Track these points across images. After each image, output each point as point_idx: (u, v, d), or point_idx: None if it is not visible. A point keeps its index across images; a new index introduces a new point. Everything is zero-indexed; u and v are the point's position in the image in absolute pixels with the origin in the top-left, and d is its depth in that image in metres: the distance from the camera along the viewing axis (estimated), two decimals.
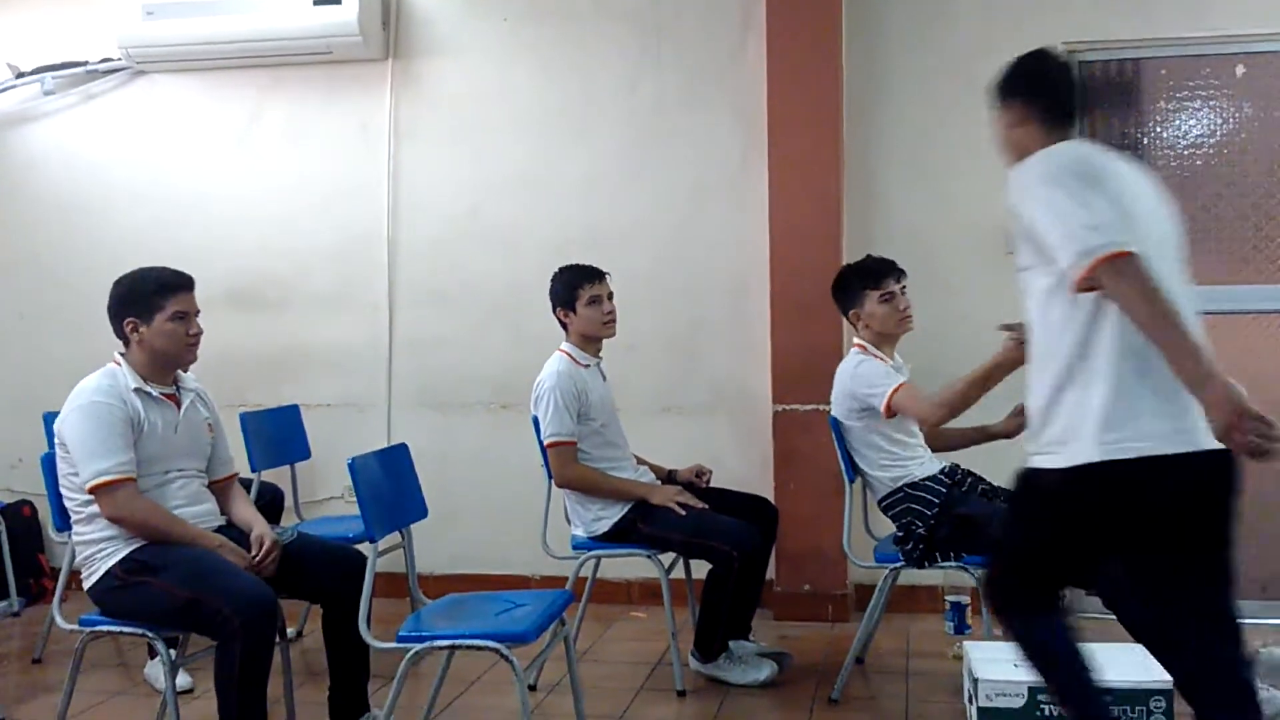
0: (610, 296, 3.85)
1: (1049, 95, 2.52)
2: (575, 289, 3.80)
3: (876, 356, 3.58)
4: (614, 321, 3.85)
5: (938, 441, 3.67)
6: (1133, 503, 2.24)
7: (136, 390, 3.02)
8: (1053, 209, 2.20)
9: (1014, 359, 3.03)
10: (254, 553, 2.98)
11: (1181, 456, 2.20)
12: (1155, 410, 2.21)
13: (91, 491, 2.90)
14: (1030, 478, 2.36)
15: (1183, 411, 2.18)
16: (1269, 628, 3.82)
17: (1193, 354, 2.09)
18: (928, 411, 3.38)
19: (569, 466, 3.71)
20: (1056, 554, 2.37)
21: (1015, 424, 3.47)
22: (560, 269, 3.88)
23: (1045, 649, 2.37)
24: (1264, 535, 4.37)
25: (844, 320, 4.02)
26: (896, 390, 3.43)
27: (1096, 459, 2.20)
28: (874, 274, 3.62)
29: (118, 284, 3.10)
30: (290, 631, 3.88)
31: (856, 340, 3.66)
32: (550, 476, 3.77)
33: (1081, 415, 2.23)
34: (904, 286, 3.64)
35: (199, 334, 3.10)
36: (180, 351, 3.08)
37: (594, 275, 3.83)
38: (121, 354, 3.09)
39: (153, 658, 3.78)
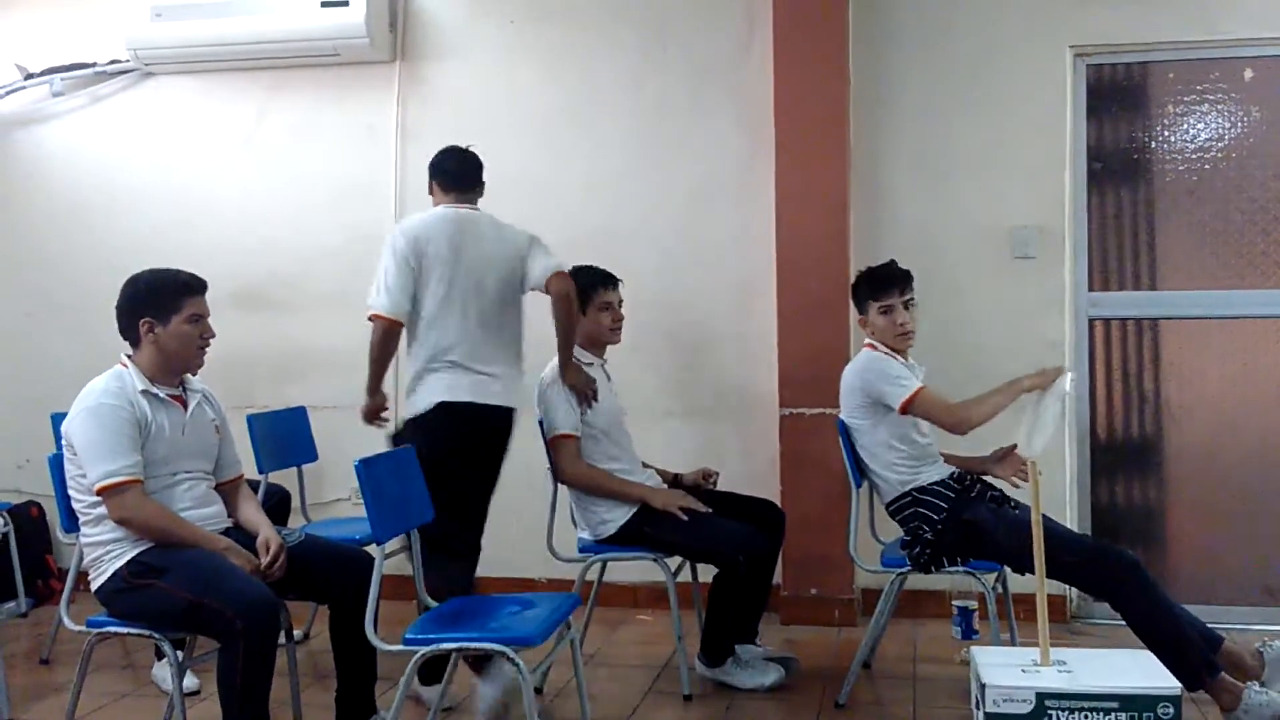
0: (620, 304, 3.85)
1: (446, 174, 3.81)
2: (589, 292, 3.79)
3: (889, 355, 3.58)
4: (621, 328, 3.86)
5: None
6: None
7: (144, 392, 3.01)
8: (382, 266, 3.59)
9: (1041, 385, 3.18)
10: (261, 558, 2.99)
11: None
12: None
13: (99, 493, 2.90)
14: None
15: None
16: (1273, 632, 3.80)
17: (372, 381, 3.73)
18: (952, 420, 3.41)
19: (574, 462, 3.71)
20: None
21: (1006, 470, 3.51)
22: (574, 269, 3.85)
23: None
24: (1268, 540, 4.37)
25: (851, 323, 4.03)
26: (919, 391, 3.43)
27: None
28: (879, 284, 3.62)
29: (132, 282, 3.09)
30: (297, 633, 3.88)
31: (868, 340, 3.66)
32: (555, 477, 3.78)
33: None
34: (908, 301, 3.62)
35: (211, 338, 3.10)
36: (192, 355, 3.08)
37: (609, 281, 3.83)
38: (129, 355, 3.09)
39: (160, 659, 3.78)
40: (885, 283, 3.62)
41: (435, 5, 4.92)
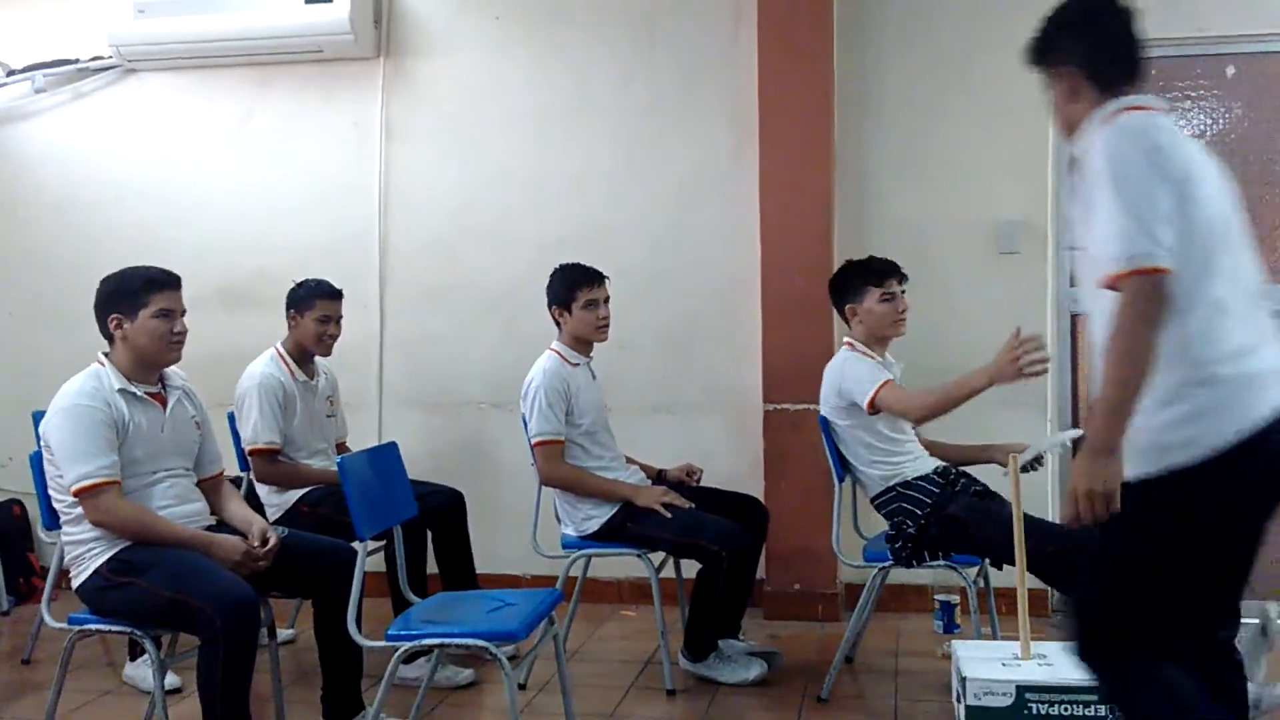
0: (606, 301, 3.84)
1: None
2: (573, 290, 3.79)
3: (865, 354, 3.61)
4: (607, 327, 3.85)
5: (934, 449, 3.70)
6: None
7: (121, 391, 3.00)
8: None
9: (1008, 376, 3.16)
10: (255, 542, 2.98)
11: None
12: None
13: (75, 495, 2.89)
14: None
15: None
16: (1247, 626, 3.81)
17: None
18: (912, 410, 3.44)
19: (556, 465, 3.71)
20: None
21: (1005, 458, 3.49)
22: (561, 266, 3.86)
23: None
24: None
25: (835, 318, 4.03)
26: (881, 388, 3.46)
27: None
28: (878, 272, 3.65)
29: (104, 281, 3.09)
30: (280, 633, 3.87)
31: (847, 338, 3.68)
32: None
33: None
34: (904, 290, 3.66)
35: (183, 333, 3.08)
36: (162, 350, 3.05)
37: (593, 279, 3.81)
38: (106, 354, 3.07)
39: (133, 659, 3.77)
40: (885, 270, 3.65)
41: (420, 1, 4.91)
